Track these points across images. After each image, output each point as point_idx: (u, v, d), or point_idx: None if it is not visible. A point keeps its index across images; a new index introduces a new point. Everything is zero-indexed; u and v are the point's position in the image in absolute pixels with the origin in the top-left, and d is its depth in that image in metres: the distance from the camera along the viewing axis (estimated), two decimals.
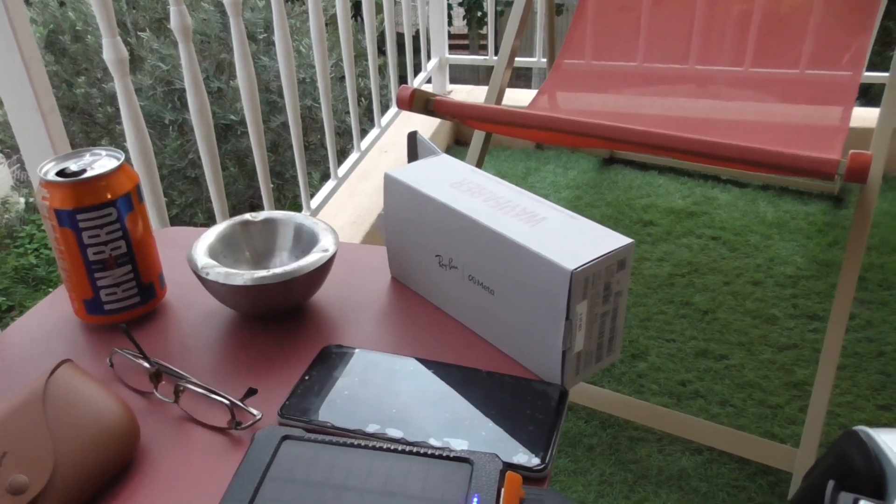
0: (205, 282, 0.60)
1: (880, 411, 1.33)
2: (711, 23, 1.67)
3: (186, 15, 0.98)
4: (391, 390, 0.54)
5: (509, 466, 0.48)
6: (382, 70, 2.33)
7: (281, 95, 3.35)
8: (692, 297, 1.62)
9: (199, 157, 3.40)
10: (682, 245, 1.79)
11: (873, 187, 1.00)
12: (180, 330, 0.63)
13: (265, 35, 3.51)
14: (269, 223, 0.66)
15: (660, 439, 1.29)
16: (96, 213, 0.58)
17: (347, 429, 0.51)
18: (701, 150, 0.95)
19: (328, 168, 1.64)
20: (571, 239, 0.54)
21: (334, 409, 0.52)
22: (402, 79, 2.15)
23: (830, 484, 0.26)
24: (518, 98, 2.18)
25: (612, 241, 0.54)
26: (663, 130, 1.01)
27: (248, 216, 0.66)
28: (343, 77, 3.09)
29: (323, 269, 0.61)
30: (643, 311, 1.58)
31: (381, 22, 2.99)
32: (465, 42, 6.32)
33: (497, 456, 0.46)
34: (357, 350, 0.58)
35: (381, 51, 2.08)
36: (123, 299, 0.62)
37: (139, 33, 3.62)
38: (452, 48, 2.43)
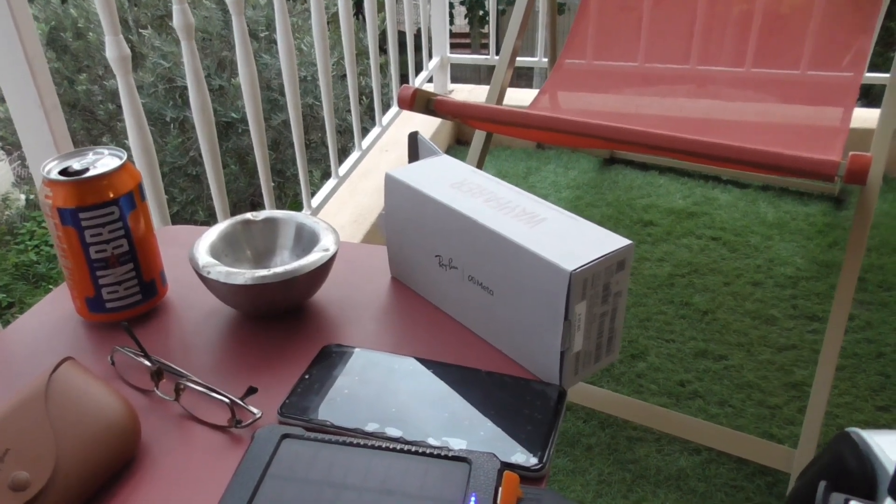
0: (206, 281, 0.60)
1: (879, 412, 1.33)
2: (712, 23, 1.67)
3: (189, 13, 0.98)
4: (390, 389, 0.54)
5: (507, 466, 0.48)
6: (384, 68, 2.34)
7: (282, 93, 3.36)
8: (692, 297, 1.62)
9: (200, 155, 3.39)
10: (683, 245, 1.79)
11: (873, 189, 1.01)
12: (181, 328, 0.63)
13: (266, 33, 3.51)
14: (271, 222, 0.66)
15: (658, 439, 1.30)
16: (99, 211, 0.58)
17: (347, 428, 0.51)
18: (700, 151, 0.95)
19: (329, 166, 1.65)
20: (571, 240, 0.54)
21: (334, 407, 0.53)
22: (404, 77, 2.15)
23: (822, 485, 0.26)
24: (519, 97, 2.18)
25: (611, 242, 0.54)
26: (663, 131, 1.02)
27: (249, 215, 0.66)
28: (344, 75, 3.09)
29: (323, 269, 0.61)
30: (643, 311, 1.58)
31: (383, 20, 2.99)
32: (467, 41, 6.32)
33: (495, 455, 0.46)
34: (357, 349, 0.58)
35: (383, 49, 2.09)
36: (125, 297, 0.62)
37: (140, 30, 3.62)
38: (454, 47, 2.43)
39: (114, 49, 0.87)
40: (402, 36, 2.05)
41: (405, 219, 0.63)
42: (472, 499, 0.44)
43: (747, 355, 1.46)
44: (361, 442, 0.48)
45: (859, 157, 0.87)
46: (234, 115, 3.37)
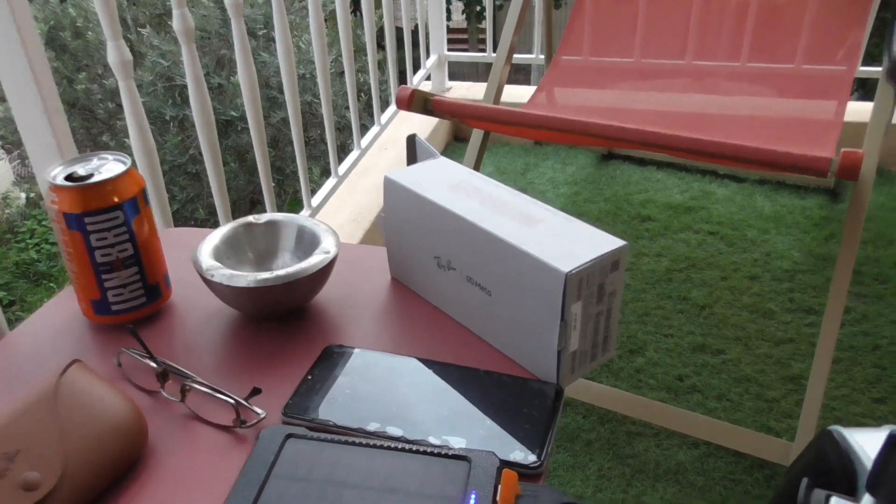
0: (209, 283, 0.61)
1: (875, 404, 1.34)
2: (707, 18, 1.68)
3: (189, 18, 0.99)
4: (391, 389, 0.55)
5: (506, 464, 0.49)
6: (381, 65, 2.34)
7: (281, 91, 3.36)
8: (690, 292, 1.63)
9: (199, 154, 3.40)
10: (680, 240, 1.80)
11: (866, 183, 1.02)
12: (185, 330, 0.64)
13: (265, 31, 3.51)
14: (272, 225, 0.67)
15: (657, 434, 1.31)
16: (104, 216, 0.59)
17: (349, 427, 0.52)
18: (695, 148, 0.96)
19: (327, 163, 1.66)
20: (566, 241, 0.55)
21: (336, 407, 0.54)
22: (402, 73, 2.16)
23: (804, 481, 0.27)
24: (517, 94, 2.19)
25: (606, 243, 0.55)
26: (658, 129, 1.03)
27: (251, 218, 0.67)
28: (341, 72, 3.10)
29: (325, 271, 0.62)
30: (641, 306, 1.60)
31: (380, 17, 2.99)
32: (464, 36, 6.32)
33: (494, 454, 0.47)
34: (358, 350, 0.60)
35: (380, 45, 2.09)
36: (130, 300, 0.63)
37: (139, 29, 3.62)
38: (451, 42, 2.44)
39: (115, 54, 0.88)
40: (399, 32, 2.06)
41: (404, 220, 0.64)
42: (473, 496, 0.45)
43: (745, 349, 1.48)
44: (363, 441, 0.49)
45: (851, 154, 0.88)
46: (233, 113, 3.37)
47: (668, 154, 1.05)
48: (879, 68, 1.26)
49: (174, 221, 1.08)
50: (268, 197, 1.28)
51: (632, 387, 1.41)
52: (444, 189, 0.62)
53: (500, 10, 5.13)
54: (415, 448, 0.48)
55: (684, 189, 2.00)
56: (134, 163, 0.64)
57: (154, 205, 1.00)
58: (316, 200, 1.54)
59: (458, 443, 0.51)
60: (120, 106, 3.78)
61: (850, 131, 1.50)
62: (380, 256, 0.72)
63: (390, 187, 0.64)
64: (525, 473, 0.49)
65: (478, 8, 6.34)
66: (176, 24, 0.97)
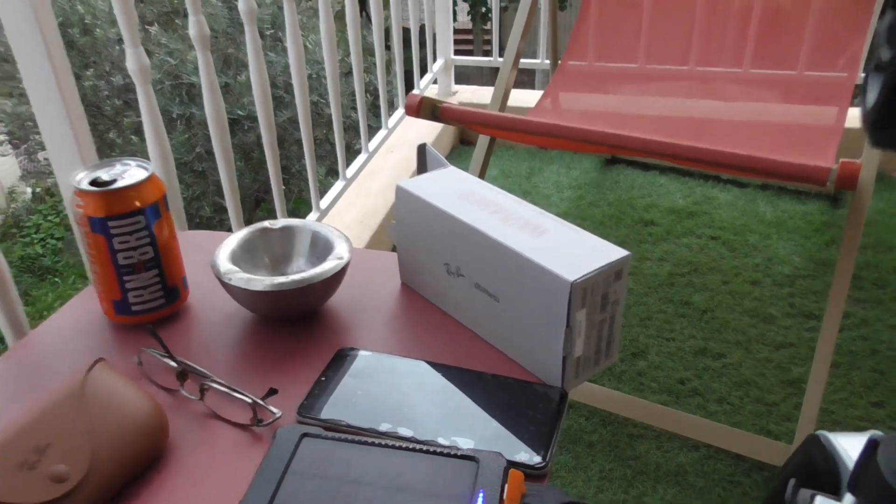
0: (227, 287, 0.63)
1: (873, 408, 1.36)
2: (711, 25, 1.70)
3: (205, 24, 1.01)
4: (402, 391, 0.57)
5: (512, 464, 0.51)
6: (388, 66, 2.36)
7: (286, 91, 3.38)
8: (691, 296, 1.65)
9: (205, 152, 3.42)
10: (683, 245, 1.82)
11: (865, 191, 1.04)
12: (202, 331, 0.67)
13: (272, 31, 3.53)
14: (287, 231, 0.69)
15: (658, 436, 1.33)
16: (126, 220, 0.62)
17: (361, 427, 0.54)
18: (695, 156, 0.98)
19: (333, 163, 1.68)
20: (572, 251, 0.57)
21: (349, 408, 0.56)
22: (408, 74, 2.18)
23: (791, 482, 0.30)
24: (523, 98, 2.21)
25: (610, 253, 0.57)
26: (660, 136, 1.05)
27: (267, 224, 0.70)
28: (348, 73, 3.12)
29: (338, 276, 0.64)
30: (643, 310, 1.62)
31: (387, 18, 3.02)
32: (469, 37, 6.34)
33: (501, 454, 0.50)
34: (369, 353, 0.62)
35: (386, 46, 2.11)
36: (150, 301, 0.66)
37: (147, 27, 3.65)
38: (456, 43, 2.46)
39: (134, 60, 0.90)
40: (406, 33, 2.08)
41: (415, 228, 0.67)
42: (481, 495, 0.47)
43: (745, 353, 1.50)
44: (376, 441, 0.51)
45: (849, 164, 0.90)
46: (239, 112, 3.39)
47: (670, 161, 1.07)
48: None
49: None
50: (279, 203, 1.30)
51: (634, 390, 1.43)
52: (454, 198, 0.64)
53: (505, 11, 5.16)
54: (425, 448, 0.50)
55: (687, 194, 2.02)
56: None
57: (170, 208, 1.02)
58: (324, 203, 1.57)
59: (466, 444, 0.53)
60: (126, 103, 3.81)
61: (852, 137, 1.51)
62: (391, 262, 0.74)
63: (402, 196, 0.66)
64: (530, 474, 0.51)
65: (483, 9, 6.36)
66: (192, 30, 0.99)
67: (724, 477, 1.26)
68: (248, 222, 1.32)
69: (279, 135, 3.55)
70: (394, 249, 0.73)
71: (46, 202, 5.55)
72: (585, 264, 0.55)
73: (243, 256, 0.67)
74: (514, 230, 0.60)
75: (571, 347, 0.57)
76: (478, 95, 2.42)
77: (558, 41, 1.93)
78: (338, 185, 1.63)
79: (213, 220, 3.62)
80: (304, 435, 0.52)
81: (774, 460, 1.24)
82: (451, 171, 0.70)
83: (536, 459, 0.51)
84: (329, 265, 0.64)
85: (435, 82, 2.40)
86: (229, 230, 1.20)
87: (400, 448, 0.51)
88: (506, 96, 1.50)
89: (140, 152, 3.55)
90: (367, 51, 1.84)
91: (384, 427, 0.54)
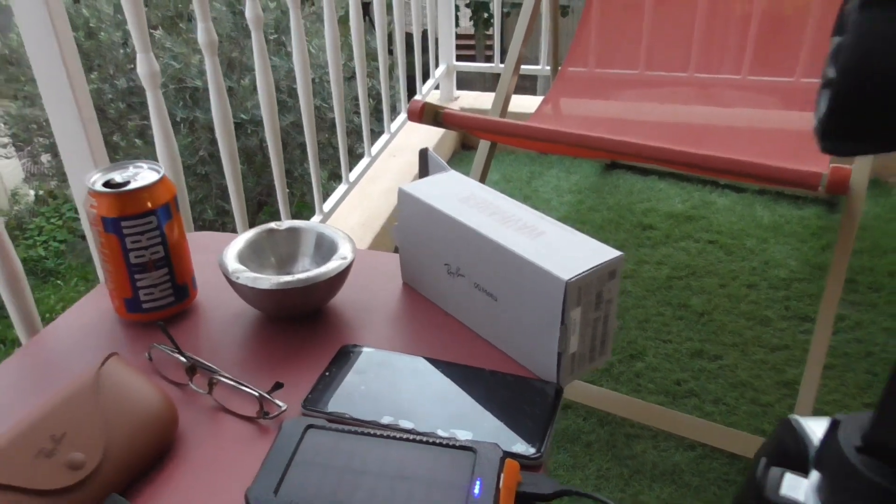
0: (234, 285, 0.66)
1: (866, 408, 1.38)
2: (710, 33, 1.72)
3: (213, 31, 1.03)
4: (403, 386, 0.60)
5: (509, 455, 0.53)
6: (391, 71, 2.39)
7: (290, 95, 3.41)
8: (689, 299, 1.67)
9: (208, 156, 3.44)
10: (681, 248, 1.85)
11: (858, 196, 1.06)
12: (211, 328, 0.69)
13: (276, 35, 3.56)
14: (293, 231, 0.72)
15: (655, 436, 1.35)
16: (138, 220, 0.64)
17: (364, 420, 0.57)
18: (691, 162, 1.01)
19: (336, 167, 1.70)
20: (567, 251, 0.59)
21: (352, 402, 0.58)
22: (410, 79, 2.20)
23: (762, 461, 0.32)
24: (524, 104, 2.23)
25: (603, 253, 0.59)
26: (658, 142, 1.07)
27: (273, 225, 0.72)
28: (350, 77, 3.14)
29: (342, 276, 0.67)
30: (642, 312, 1.64)
31: (390, 23, 3.05)
32: (471, 42, 6.37)
33: (498, 445, 0.52)
34: (372, 349, 0.64)
35: (389, 50, 2.13)
36: (160, 299, 0.68)
37: (151, 31, 3.68)
38: (458, 48, 2.48)
39: (145, 66, 0.93)
40: (408, 38, 2.10)
41: (417, 230, 0.69)
42: (478, 483, 0.49)
43: (741, 355, 1.52)
44: (378, 433, 0.53)
45: (839, 170, 0.93)
46: (243, 115, 3.42)
47: (667, 167, 1.10)
48: None
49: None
50: (283, 205, 1.33)
51: (631, 390, 1.45)
52: (455, 201, 0.67)
53: (507, 17, 5.18)
54: (425, 440, 0.53)
55: (685, 199, 2.05)
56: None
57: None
58: (327, 206, 1.59)
59: (464, 435, 0.55)
60: (130, 106, 3.84)
61: None
62: (393, 263, 0.77)
63: (404, 199, 0.69)
64: (526, 464, 0.53)
65: (485, 15, 6.39)
66: (200, 37, 1.02)
67: (720, 476, 1.28)
68: (250, 225, 1.35)
69: (282, 139, 3.57)
70: (396, 251, 0.75)
71: (49, 204, 5.58)
72: (580, 264, 0.58)
73: (250, 256, 0.70)
74: (512, 232, 0.62)
75: (566, 344, 0.59)
76: (479, 101, 2.45)
77: (560, 47, 1.95)
78: (341, 189, 1.66)
79: (215, 223, 3.65)
80: (309, 427, 0.54)
81: None
82: (452, 174, 0.72)
83: (532, 450, 0.54)
84: (333, 265, 0.66)
85: (437, 88, 2.43)
86: (232, 233, 1.23)
87: (401, 439, 0.53)
88: (506, 102, 1.52)
89: (144, 156, 3.58)
90: (370, 55, 1.86)
91: (386, 420, 0.56)
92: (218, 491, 0.53)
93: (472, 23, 6.48)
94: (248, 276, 0.65)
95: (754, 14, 1.68)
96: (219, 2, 3.64)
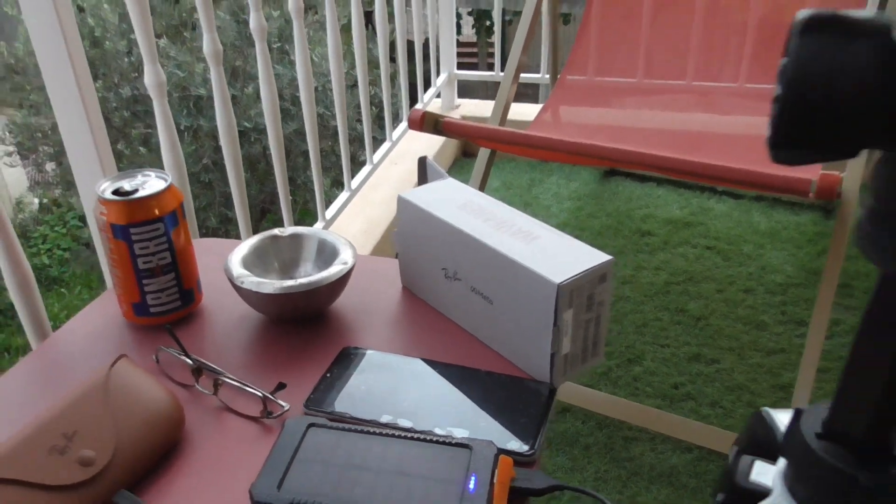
0: (239, 290, 0.68)
1: None
2: (708, 41, 1.75)
3: (217, 41, 1.06)
4: (402, 386, 0.62)
5: (503, 452, 0.56)
6: (393, 78, 2.42)
7: (293, 103, 3.44)
8: (687, 304, 1.69)
9: (212, 164, 3.46)
10: (679, 254, 1.87)
11: (849, 202, 1.08)
12: (216, 331, 0.71)
13: (279, 44, 3.60)
14: (296, 238, 0.74)
15: (653, 438, 1.37)
16: (147, 227, 0.66)
17: (364, 419, 0.59)
18: (686, 169, 1.03)
19: (338, 174, 1.73)
20: (560, 255, 0.62)
21: (352, 401, 0.61)
22: (412, 87, 2.22)
23: (733, 450, 0.34)
24: (524, 112, 2.26)
25: (594, 257, 0.62)
26: (654, 151, 1.09)
27: (276, 231, 0.74)
28: (353, 85, 3.17)
29: (342, 280, 0.69)
30: (640, 317, 1.66)
31: (392, 31, 3.07)
32: (474, 50, 6.40)
33: (492, 443, 0.54)
34: (372, 351, 0.66)
35: (392, 58, 2.16)
36: (167, 303, 0.70)
37: (156, 40, 3.71)
38: (460, 55, 2.51)
39: (152, 76, 0.95)
40: (410, 45, 2.13)
41: (415, 236, 0.71)
42: (473, 478, 0.51)
43: (738, 359, 1.54)
44: (377, 431, 0.56)
45: (828, 176, 0.95)
46: (246, 123, 3.45)
47: (663, 173, 1.12)
48: None
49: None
50: (286, 212, 1.35)
51: (629, 394, 1.47)
52: (452, 208, 0.69)
53: (510, 24, 5.22)
54: (423, 437, 0.55)
55: (683, 205, 2.07)
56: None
57: None
58: (329, 213, 1.61)
59: (460, 433, 0.57)
60: (135, 114, 3.87)
61: None
62: (392, 267, 0.79)
63: (403, 206, 0.71)
64: (520, 461, 0.55)
65: (487, 23, 6.42)
66: (206, 47, 1.05)
67: (716, 477, 1.29)
68: (253, 232, 1.37)
69: (285, 146, 3.60)
70: (396, 257, 0.77)
71: (53, 213, 5.61)
72: (571, 268, 0.60)
73: (254, 261, 0.72)
74: (507, 237, 0.64)
75: (559, 345, 0.61)
76: (480, 109, 2.47)
77: (561, 55, 1.97)
78: (343, 196, 1.68)
79: (219, 230, 3.68)
80: (311, 425, 0.56)
81: None
82: (450, 182, 0.74)
83: (525, 447, 0.56)
84: (334, 270, 0.68)
85: (438, 96, 2.46)
86: (237, 239, 1.24)
87: (400, 437, 0.55)
88: (506, 110, 1.55)
89: (148, 163, 3.61)
90: (372, 63, 1.89)
91: (385, 419, 0.59)
92: (223, 487, 0.55)
93: (474, 30, 6.52)
94: (252, 281, 0.67)
95: (751, 22, 1.70)
96: (222, 11, 3.67)
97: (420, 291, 0.74)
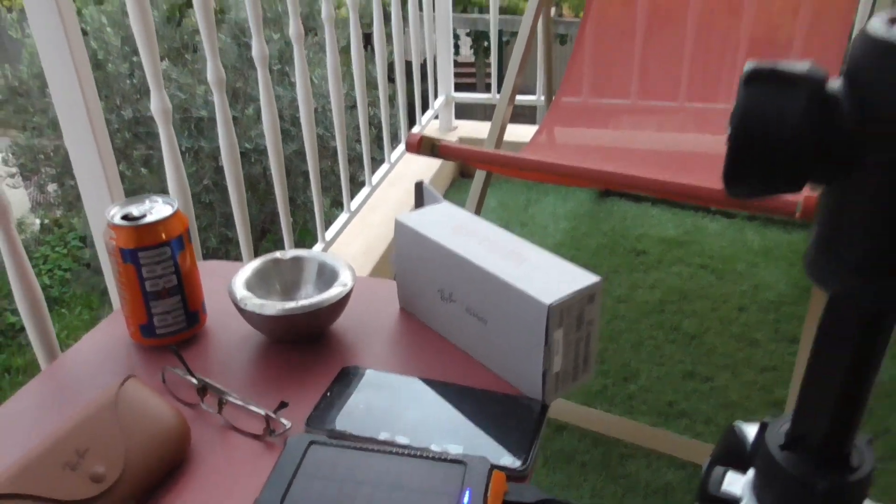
0: (242, 311, 0.70)
1: None
2: (699, 63, 1.78)
3: (221, 69, 1.09)
4: (399, 404, 0.64)
5: (496, 467, 0.58)
6: (392, 100, 2.46)
7: (294, 124, 3.47)
8: (681, 322, 1.72)
9: (213, 184, 3.49)
10: (673, 273, 1.89)
11: None
12: (220, 351, 0.74)
13: (279, 66, 3.64)
14: (297, 260, 0.77)
15: (648, 455, 1.39)
16: (154, 251, 0.69)
17: (363, 436, 0.61)
18: (678, 192, 1.06)
19: (337, 194, 1.76)
20: (550, 277, 0.64)
21: (352, 419, 0.63)
22: (410, 106, 2.26)
23: (706, 461, 0.37)
24: (520, 133, 2.29)
25: (583, 278, 0.64)
26: (646, 172, 1.12)
27: (278, 254, 0.77)
28: (352, 106, 3.21)
29: (342, 302, 0.72)
30: (635, 335, 1.68)
31: (391, 53, 3.12)
32: (472, 70, 6.46)
33: (486, 458, 0.56)
34: (370, 370, 0.69)
35: (390, 78, 2.19)
36: (173, 324, 0.73)
37: None
38: (459, 76, 2.54)
39: (158, 102, 0.98)
40: (408, 66, 2.16)
41: (412, 258, 0.74)
42: (468, 493, 0.54)
43: (732, 376, 1.56)
44: (376, 448, 0.58)
45: (813, 198, 0.98)
46: (247, 144, 3.49)
47: (655, 195, 1.15)
48: None
49: None
50: (287, 235, 1.38)
51: (625, 412, 1.49)
52: (447, 231, 0.72)
53: (507, 45, 5.27)
54: (419, 454, 0.57)
55: (678, 224, 2.10)
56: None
57: None
58: (329, 234, 1.64)
59: (455, 449, 0.60)
60: (136, 136, 3.91)
61: None
62: (390, 288, 0.81)
63: (400, 229, 0.74)
64: (513, 475, 0.58)
65: (485, 43, 6.49)
66: (210, 75, 1.08)
67: None
68: (254, 252, 1.40)
69: (286, 166, 3.63)
70: (395, 279, 0.80)
71: (54, 233, 5.63)
72: (561, 289, 0.62)
73: (257, 283, 0.75)
74: (499, 259, 0.67)
75: (550, 364, 0.63)
76: (477, 131, 2.50)
77: (557, 75, 2.01)
78: (342, 218, 1.71)
79: (219, 251, 3.70)
80: (312, 442, 0.59)
81: None
82: (445, 206, 0.77)
83: (518, 463, 0.58)
84: (334, 292, 0.71)
85: (436, 117, 2.49)
86: (236, 259, 1.24)
87: (397, 454, 0.57)
88: (502, 131, 1.58)
89: (149, 184, 3.64)
90: (371, 84, 1.92)
91: (383, 435, 0.61)
92: (228, 503, 0.57)
93: (472, 51, 6.58)
94: (254, 303, 0.70)
95: (742, 42, 1.74)
96: (223, 33, 3.72)
97: (417, 312, 0.77)
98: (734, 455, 0.37)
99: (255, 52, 1.21)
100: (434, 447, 0.60)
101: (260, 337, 0.75)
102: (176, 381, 0.69)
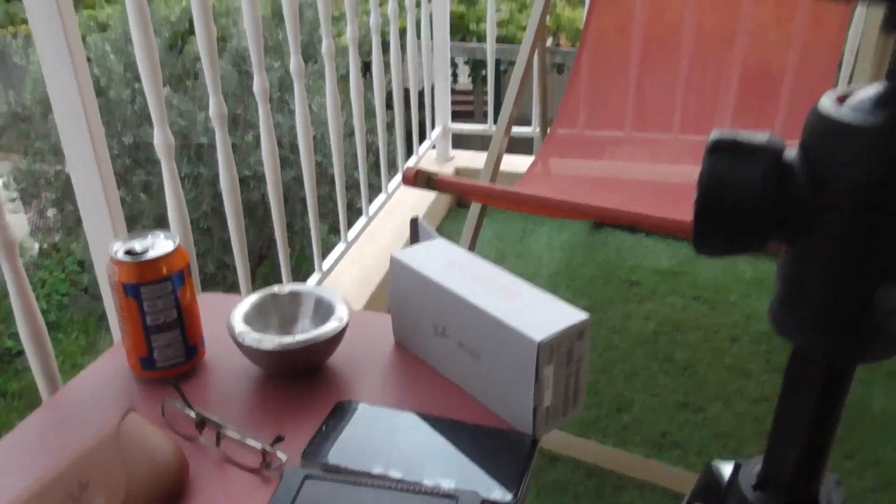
0: (240, 346, 0.72)
1: (843, 460, 1.44)
2: (693, 95, 1.82)
3: (223, 104, 1.12)
4: (393, 439, 0.66)
5: (487, 501, 0.60)
6: (390, 127, 2.48)
7: (292, 151, 3.51)
8: (674, 353, 1.73)
9: (211, 210, 3.51)
10: (667, 304, 1.91)
11: None
12: (218, 384, 0.75)
13: (279, 94, 3.68)
14: (294, 295, 0.79)
15: (641, 486, 1.40)
16: (156, 286, 0.71)
17: (357, 470, 0.63)
18: (668, 227, 1.08)
19: (335, 221, 1.78)
20: (540, 314, 0.66)
21: (346, 453, 0.65)
22: (408, 134, 2.28)
23: (685, 498, 0.39)
24: (516, 163, 2.31)
25: (573, 316, 0.66)
26: (638, 207, 1.15)
27: (275, 289, 0.79)
28: (351, 133, 3.24)
29: (338, 337, 0.73)
30: (629, 366, 1.70)
31: (389, 81, 3.16)
32: (470, 98, 6.52)
33: (477, 493, 0.58)
34: (365, 404, 0.70)
35: (388, 105, 2.22)
36: (172, 358, 0.74)
37: None
38: (457, 104, 2.56)
39: (161, 138, 1.01)
40: (405, 93, 2.19)
41: (407, 294, 0.76)
42: None
43: (724, 407, 1.57)
44: (370, 482, 0.60)
45: None
46: (246, 171, 3.51)
47: (646, 229, 1.17)
48: None
49: None
50: (284, 268, 1.41)
51: (618, 443, 1.50)
52: (441, 268, 0.74)
53: (505, 74, 5.33)
54: (412, 488, 0.59)
55: (671, 255, 2.12)
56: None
57: None
58: (326, 264, 1.66)
59: (448, 483, 0.61)
60: (136, 161, 3.94)
61: None
62: (385, 323, 0.83)
63: (396, 266, 0.76)
64: None
65: (483, 72, 6.54)
66: (212, 109, 1.10)
67: None
68: (252, 279, 1.42)
69: (283, 193, 3.66)
70: (389, 312, 0.82)
71: (53, 258, 5.65)
72: (551, 326, 0.64)
73: (256, 318, 0.76)
74: (491, 296, 0.69)
75: (541, 399, 0.65)
76: (474, 161, 2.53)
77: (553, 104, 2.04)
78: (339, 248, 1.73)
79: (216, 276, 3.72)
80: (307, 477, 0.60)
81: None
82: (440, 242, 0.79)
83: (508, 496, 0.60)
84: (330, 326, 0.73)
85: (433, 147, 2.52)
86: (233, 286, 1.25)
87: (391, 488, 0.59)
88: (498, 163, 1.60)
89: (148, 210, 3.67)
90: (370, 111, 1.94)
91: (377, 470, 0.63)
92: None
93: (470, 79, 6.64)
94: (252, 338, 0.71)
95: (735, 74, 1.77)
96: (224, 61, 3.77)
97: (411, 346, 0.79)
98: (712, 493, 0.39)
99: (256, 87, 1.24)
100: (426, 481, 0.61)
101: (257, 370, 0.77)
102: (175, 414, 0.71)
